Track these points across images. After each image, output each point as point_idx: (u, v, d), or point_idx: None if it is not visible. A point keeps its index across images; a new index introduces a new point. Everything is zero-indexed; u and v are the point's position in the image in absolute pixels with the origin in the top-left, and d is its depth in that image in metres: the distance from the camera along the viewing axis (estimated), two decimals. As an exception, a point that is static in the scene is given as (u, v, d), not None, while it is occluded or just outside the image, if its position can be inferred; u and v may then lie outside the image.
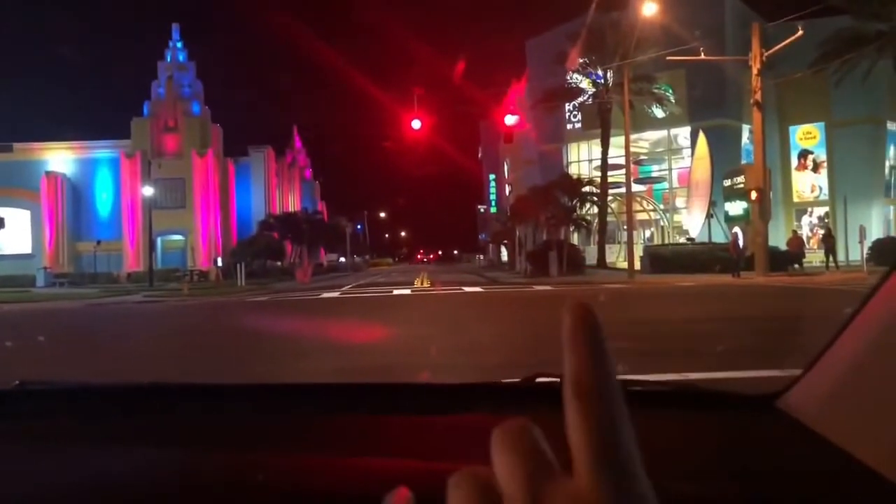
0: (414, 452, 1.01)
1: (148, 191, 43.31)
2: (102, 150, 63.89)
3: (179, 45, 66.57)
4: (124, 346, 10.89)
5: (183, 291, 29.97)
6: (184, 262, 55.77)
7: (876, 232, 35.67)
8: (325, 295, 23.69)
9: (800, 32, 22.91)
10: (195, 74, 66.59)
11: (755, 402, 1.20)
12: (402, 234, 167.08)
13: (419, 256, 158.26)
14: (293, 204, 77.78)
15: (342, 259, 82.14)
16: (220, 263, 48.55)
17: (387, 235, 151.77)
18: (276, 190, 72.72)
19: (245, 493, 0.88)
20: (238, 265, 36.67)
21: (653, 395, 1.35)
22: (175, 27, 66.74)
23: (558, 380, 1.38)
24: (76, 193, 63.13)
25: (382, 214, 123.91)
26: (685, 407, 1.26)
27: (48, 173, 61.81)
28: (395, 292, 23.95)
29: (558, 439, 1.22)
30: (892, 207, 40.13)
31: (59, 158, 63.52)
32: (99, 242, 54.00)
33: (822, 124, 42.09)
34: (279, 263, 54.72)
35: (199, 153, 62.23)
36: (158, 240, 56.84)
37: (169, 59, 66.01)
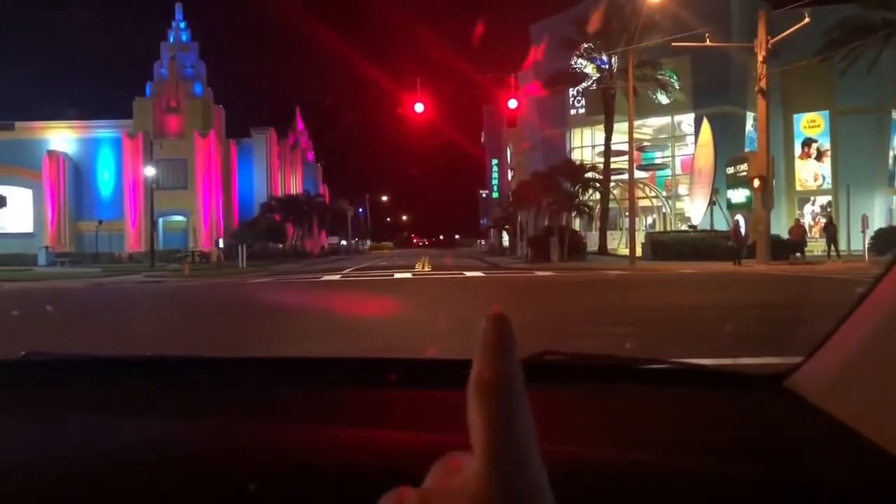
0: (413, 425, 1.01)
1: (150, 171, 43.27)
2: (104, 130, 63.83)
3: (183, 25, 66.38)
4: (124, 324, 10.92)
5: (184, 272, 30.02)
6: (185, 243, 55.82)
7: (878, 222, 35.62)
8: (327, 278, 23.72)
9: (806, 20, 22.80)
10: (198, 55, 66.45)
11: (763, 382, 1.20)
12: (404, 217, 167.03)
13: (415, 240, 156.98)
14: (295, 186, 77.80)
15: (343, 242, 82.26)
16: (221, 245, 48.62)
17: (388, 219, 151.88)
18: (277, 172, 72.72)
19: (244, 462, 0.89)
20: (239, 247, 36.72)
21: (661, 373, 1.35)
22: (178, 7, 66.53)
23: (565, 357, 1.40)
24: (78, 173, 63.14)
25: (384, 198, 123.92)
26: (693, 385, 1.27)
27: (50, 152, 61.80)
28: (397, 276, 23.98)
29: (565, 413, 1.23)
30: (894, 197, 40.04)
31: (61, 137, 63.49)
32: (100, 222, 54.08)
33: (826, 113, 41.94)
34: (280, 245, 54.81)
35: (202, 134, 62.19)
36: (160, 220, 56.93)
37: (172, 40, 65.84)
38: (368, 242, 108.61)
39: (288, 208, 59.88)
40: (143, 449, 0.94)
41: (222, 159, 64.14)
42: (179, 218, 61.50)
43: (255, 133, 69.23)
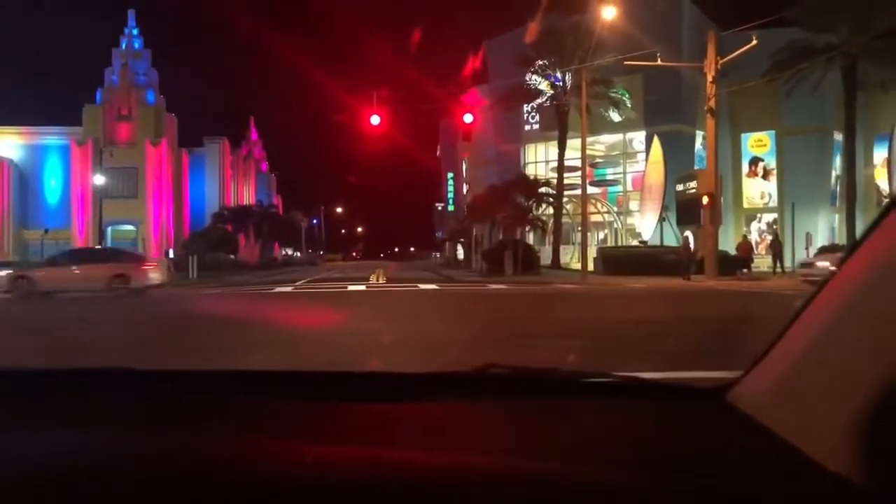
0: (366, 440, 1.01)
1: (99, 179, 42.39)
2: (52, 137, 62.34)
3: (135, 31, 65.30)
4: (64, 335, 10.61)
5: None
6: (134, 253, 54.60)
7: (822, 239, 36.67)
8: (279, 289, 23.44)
9: (754, 42, 23.39)
10: (151, 63, 65.42)
11: (705, 395, 1.22)
12: (359, 229, 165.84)
13: (355, 254, 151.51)
14: (248, 196, 76.93)
15: (297, 253, 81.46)
16: (171, 255, 47.72)
17: (343, 231, 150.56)
18: (230, 182, 71.83)
19: (197, 476, 0.87)
20: (190, 257, 36.12)
21: (606, 386, 1.37)
22: (131, 13, 65.48)
23: (510, 371, 1.41)
24: (23, 180, 61.50)
25: (339, 210, 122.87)
26: (637, 399, 1.29)
27: (-6, 158, 60.08)
28: (351, 288, 23.82)
29: (509, 427, 1.24)
30: (836, 216, 41.20)
31: (7, 144, 61.79)
32: (47, 231, 52.70)
33: (772, 132, 43.05)
34: (232, 256, 54.07)
35: (153, 142, 61.16)
36: (109, 229, 55.74)
37: (124, 46, 64.74)
38: (321, 253, 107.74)
39: (240, 218, 59.12)
40: (77, 460, 0.92)
41: (174, 168, 63.15)
42: (129, 227, 60.27)
43: (208, 142, 68.33)
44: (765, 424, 1.02)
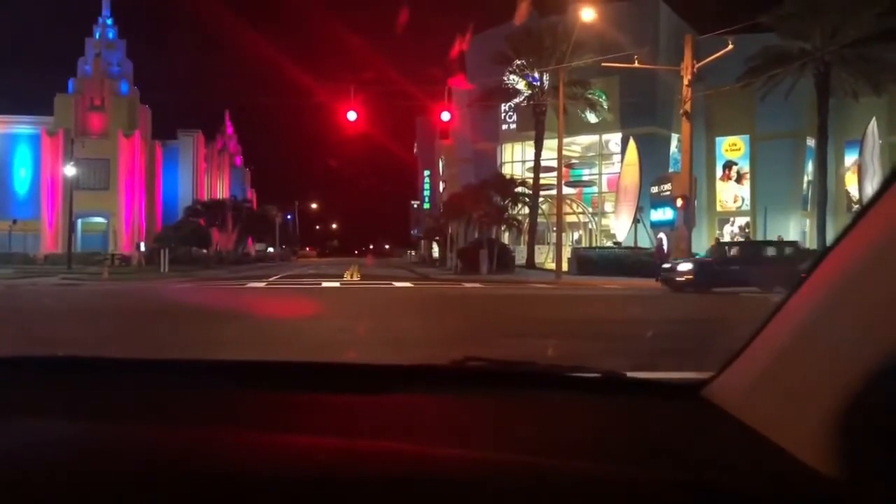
0: (345, 431, 1.00)
1: (70, 170, 41.79)
2: (22, 126, 61.22)
3: (109, 21, 64.36)
4: (32, 326, 10.44)
5: (103, 275, 29.06)
6: (105, 246, 53.92)
7: (792, 243, 37.05)
8: (251, 285, 23.29)
9: (730, 46, 23.62)
10: (125, 53, 64.55)
11: (680, 391, 1.22)
12: (334, 226, 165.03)
13: (308, 250, 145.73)
14: (222, 191, 76.31)
15: (270, 249, 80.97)
16: (143, 248, 47.26)
17: (317, 227, 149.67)
18: (204, 175, 71.20)
19: (161, 467, 0.85)
20: (162, 251, 35.80)
21: (582, 381, 1.36)
22: (105, 2, 64.49)
23: (487, 364, 1.40)
24: (-8, 169, 60.41)
25: (314, 205, 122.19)
26: (613, 394, 1.28)
27: (-38, 147, 58.99)
28: (325, 284, 23.73)
29: (486, 419, 1.23)
30: (808, 220, 41.78)
31: (-25, 132, 60.66)
32: (15, 221, 51.82)
33: (746, 137, 43.57)
34: (205, 251, 53.62)
35: (126, 134, 60.37)
36: (79, 221, 54.94)
37: (98, 36, 63.78)
38: (296, 248, 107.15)
39: (214, 213, 58.59)
40: (40, 449, 0.90)
41: (147, 161, 62.40)
42: (100, 220, 59.39)
43: (182, 135, 67.63)
44: (740, 419, 1.03)
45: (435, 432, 1.05)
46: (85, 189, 53.24)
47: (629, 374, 1.37)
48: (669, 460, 0.93)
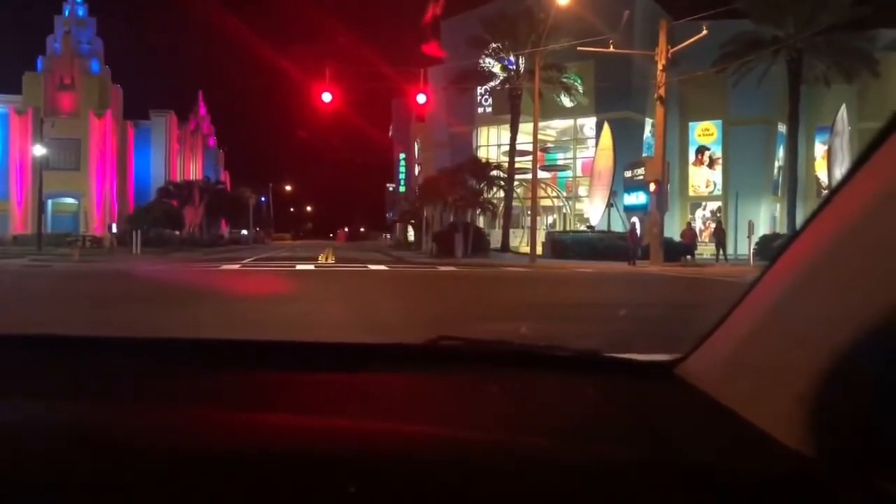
0: (319, 409, 1.00)
1: (39, 150, 41.02)
2: (-11, 105, 59.98)
3: (79, -1, 63.10)
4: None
5: (73, 257, 28.65)
6: (76, 227, 53.09)
7: (763, 228, 37.56)
8: (225, 267, 23.12)
9: (704, 32, 23.74)
10: (95, 31, 63.35)
11: (653, 369, 1.24)
12: (308, 208, 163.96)
13: (282, 233, 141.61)
14: (195, 172, 75.40)
15: (244, 231, 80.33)
16: (114, 230, 46.59)
17: (292, 209, 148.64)
18: (177, 156, 70.31)
19: (130, 447, 0.84)
20: (134, 232, 35.36)
21: (556, 359, 1.37)
22: (75, -21, 63.15)
23: (461, 343, 1.41)
24: (-42, 149, 59.17)
25: (288, 188, 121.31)
26: (587, 372, 1.29)
27: (-73, 126, 57.64)
28: (299, 267, 23.61)
29: (460, 398, 1.24)
30: (778, 205, 42.23)
31: (-60, 110, 59.31)
32: (-18, 202, 50.92)
33: (719, 122, 43.88)
34: (177, 232, 53.03)
35: (97, 114, 59.38)
36: (49, 202, 54.11)
37: (67, 13, 62.50)
38: (270, 231, 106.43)
39: (186, 194, 57.92)
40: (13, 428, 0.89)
41: (118, 141, 61.44)
42: (70, 200, 58.47)
43: (155, 115, 66.65)
44: (713, 397, 1.04)
45: (408, 410, 1.05)
46: (55, 169, 52.37)
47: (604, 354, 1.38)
48: (644, 437, 0.94)
